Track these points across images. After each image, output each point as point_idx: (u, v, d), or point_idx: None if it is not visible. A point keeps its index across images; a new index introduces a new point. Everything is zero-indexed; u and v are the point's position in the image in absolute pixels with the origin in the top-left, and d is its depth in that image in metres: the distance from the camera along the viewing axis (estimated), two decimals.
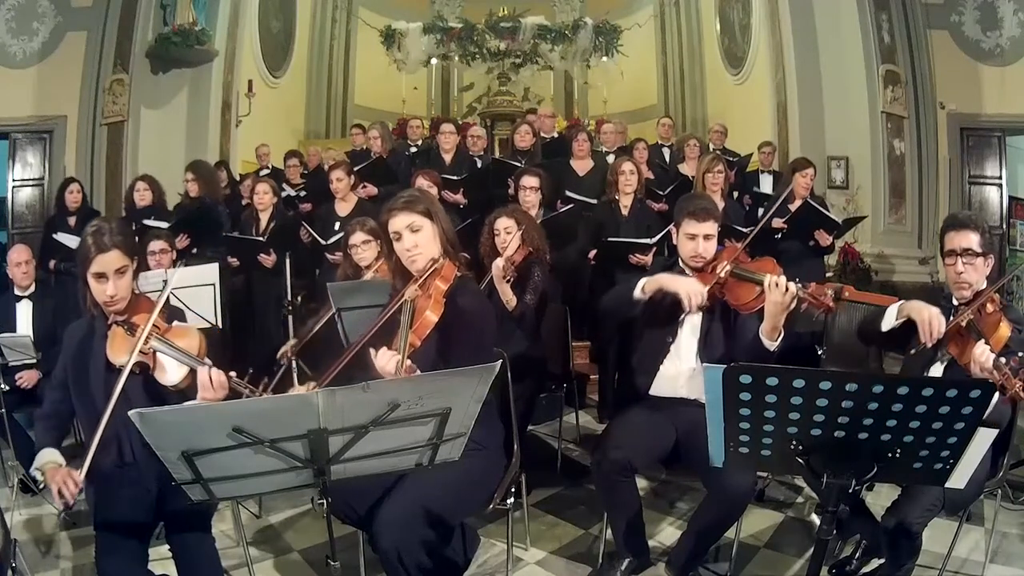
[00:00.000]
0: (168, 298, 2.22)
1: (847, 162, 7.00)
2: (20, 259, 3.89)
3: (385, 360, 1.92)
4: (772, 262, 2.40)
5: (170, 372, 2.06)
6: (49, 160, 6.86)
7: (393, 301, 2.12)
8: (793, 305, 2.23)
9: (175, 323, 2.23)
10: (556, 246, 3.81)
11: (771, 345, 2.28)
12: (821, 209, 4.51)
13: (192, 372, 2.03)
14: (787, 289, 2.20)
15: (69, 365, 2.16)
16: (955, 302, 2.38)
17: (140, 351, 2.01)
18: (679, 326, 2.57)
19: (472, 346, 2.03)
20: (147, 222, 4.73)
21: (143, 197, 5.06)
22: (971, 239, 2.32)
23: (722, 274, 2.43)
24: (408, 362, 1.89)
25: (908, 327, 2.39)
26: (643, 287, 2.47)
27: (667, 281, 2.45)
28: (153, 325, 2.05)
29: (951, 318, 2.33)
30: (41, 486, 2.00)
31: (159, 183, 5.23)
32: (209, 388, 1.93)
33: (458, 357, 1.96)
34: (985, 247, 2.33)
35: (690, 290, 2.38)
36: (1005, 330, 2.15)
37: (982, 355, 2.01)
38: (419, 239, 2.12)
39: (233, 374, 1.98)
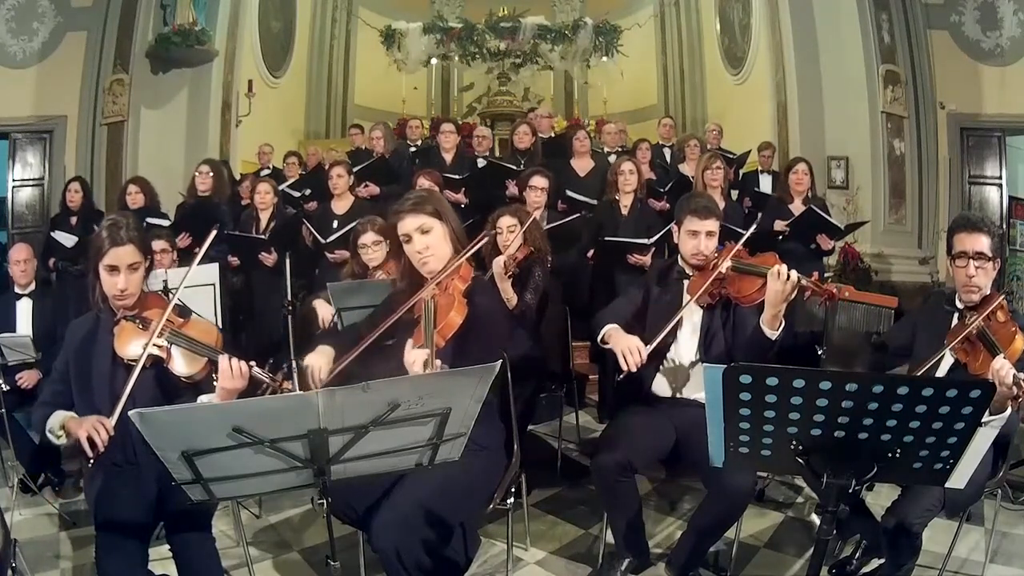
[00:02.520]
0: (176, 294, 2.22)
1: (847, 162, 6.99)
2: (20, 257, 3.90)
3: (414, 358, 1.91)
4: (774, 256, 2.38)
5: (184, 364, 2.07)
6: (49, 160, 6.86)
7: (409, 300, 2.10)
8: (795, 294, 2.22)
9: (192, 316, 2.22)
10: (558, 249, 3.81)
11: (772, 334, 2.28)
12: (824, 215, 4.52)
13: (207, 363, 2.03)
14: (789, 277, 2.19)
15: (72, 359, 2.16)
16: (959, 305, 2.36)
17: (154, 344, 2.01)
18: (679, 325, 2.56)
19: (490, 345, 2.03)
20: (151, 220, 4.72)
21: (135, 200, 5.00)
22: (983, 242, 2.28)
23: (724, 269, 2.43)
24: (438, 362, 1.88)
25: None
26: (603, 337, 2.45)
27: (612, 338, 2.39)
28: (167, 320, 2.05)
29: (956, 322, 2.32)
30: (60, 439, 2.00)
31: (151, 185, 5.18)
32: (230, 377, 1.92)
33: (477, 355, 1.94)
34: (994, 251, 2.30)
35: (625, 348, 2.31)
36: (1020, 342, 2.12)
37: (1002, 370, 1.94)
38: (430, 240, 2.11)
39: (253, 363, 1.98)
